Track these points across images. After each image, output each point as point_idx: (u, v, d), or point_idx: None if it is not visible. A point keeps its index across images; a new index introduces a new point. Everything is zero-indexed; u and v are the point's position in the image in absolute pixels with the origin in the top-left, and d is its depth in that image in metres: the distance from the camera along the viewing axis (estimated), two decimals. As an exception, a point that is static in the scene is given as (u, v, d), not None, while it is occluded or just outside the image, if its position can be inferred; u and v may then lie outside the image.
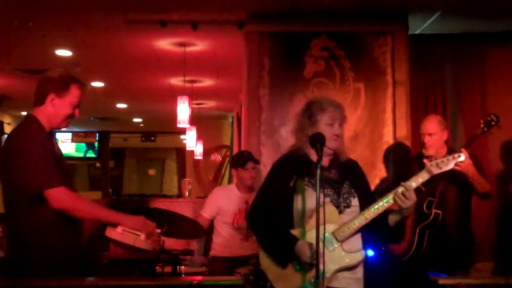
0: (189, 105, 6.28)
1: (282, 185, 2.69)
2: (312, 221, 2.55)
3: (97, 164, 14.76)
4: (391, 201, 2.58)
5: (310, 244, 2.51)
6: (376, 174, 4.60)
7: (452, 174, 3.44)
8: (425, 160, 3.59)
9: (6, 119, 10.26)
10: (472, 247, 4.16)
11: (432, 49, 5.30)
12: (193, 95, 6.97)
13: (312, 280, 2.53)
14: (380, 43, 4.86)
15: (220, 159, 10.33)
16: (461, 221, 3.96)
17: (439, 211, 3.80)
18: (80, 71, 6.00)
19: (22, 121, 2.89)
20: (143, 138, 14.83)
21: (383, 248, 3.91)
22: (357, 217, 2.60)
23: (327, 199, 2.61)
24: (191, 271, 3.87)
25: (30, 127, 2.80)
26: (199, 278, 3.03)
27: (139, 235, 2.76)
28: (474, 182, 3.77)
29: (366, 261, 2.69)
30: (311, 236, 2.54)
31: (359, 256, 2.61)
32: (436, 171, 2.62)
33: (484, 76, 5.26)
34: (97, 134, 13.62)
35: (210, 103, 9.81)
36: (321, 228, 2.36)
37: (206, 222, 4.28)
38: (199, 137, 8.72)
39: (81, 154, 13.64)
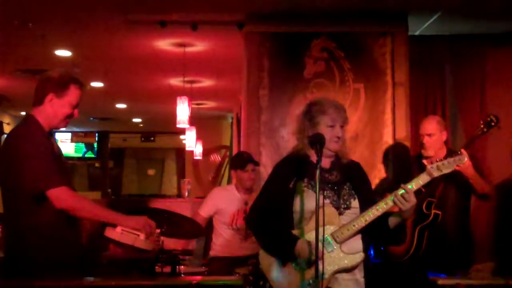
0: (188, 105, 6.28)
1: (281, 187, 2.68)
2: (311, 223, 2.55)
3: (97, 164, 14.76)
4: (391, 203, 2.57)
5: (309, 243, 2.52)
6: (376, 175, 4.60)
7: (452, 175, 3.42)
8: (425, 162, 3.60)
9: (6, 119, 10.27)
10: (471, 248, 4.16)
11: (432, 50, 5.31)
12: (192, 95, 6.97)
13: (311, 281, 2.53)
14: (380, 44, 4.86)
15: (220, 159, 10.33)
16: (460, 222, 3.96)
17: (438, 212, 3.80)
18: (80, 72, 6.01)
19: (21, 121, 2.89)
20: (143, 138, 14.84)
21: (382, 248, 3.91)
22: (357, 218, 2.59)
23: (327, 201, 2.60)
24: (190, 271, 3.87)
25: (30, 127, 2.79)
26: (198, 278, 3.03)
27: (138, 235, 2.77)
28: (473, 183, 3.77)
29: (366, 262, 2.68)
30: (310, 237, 2.54)
31: (357, 258, 2.60)
32: (437, 173, 2.62)
33: (483, 77, 5.27)
34: (97, 134, 13.63)
35: (209, 104, 9.81)
36: (320, 229, 2.36)
37: (203, 221, 4.28)
38: (199, 137, 8.72)
39: (80, 155, 13.65)
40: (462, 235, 3.98)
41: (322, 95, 4.41)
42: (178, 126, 6.39)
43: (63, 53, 6.27)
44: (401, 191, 2.56)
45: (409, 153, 4.58)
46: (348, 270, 2.61)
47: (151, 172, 17.62)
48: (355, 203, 2.68)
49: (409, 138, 4.81)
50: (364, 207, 2.63)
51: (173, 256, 3.61)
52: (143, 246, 2.79)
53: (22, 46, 6.00)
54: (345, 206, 2.66)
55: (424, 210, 3.80)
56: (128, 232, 2.76)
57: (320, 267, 2.38)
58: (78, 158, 13.70)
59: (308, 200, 2.63)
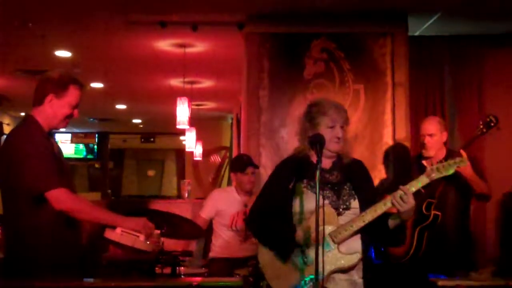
0: (188, 106, 6.28)
1: (281, 187, 2.69)
2: (310, 223, 2.55)
3: (96, 165, 14.75)
4: (389, 205, 2.57)
5: (308, 226, 2.53)
6: (376, 175, 4.60)
7: (452, 176, 3.43)
8: (425, 163, 3.60)
9: (6, 120, 10.27)
10: (471, 248, 4.16)
11: (432, 51, 5.31)
12: (192, 96, 6.97)
13: (308, 281, 2.53)
14: (380, 45, 4.86)
15: (220, 160, 10.33)
16: (460, 223, 3.96)
17: (438, 213, 3.80)
18: (80, 72, 6.02)
19: (21, 122, 2.88)
20: (143, 139, 14.83)
21: (382, 249, 3.91)
22: (355, 219, 2.59)
23: (326, 201, 2.60)
24: (190, 272, 3.87)
25: (29, 127, 2.79)
26: (198, 279, 3.02)
27: (138, 236, 2.76)
28: (471, 183, 3.77)
29: (367, 263, 2.68)
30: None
31: (354, 258, 2.60)
32: (436, 176, 2.61)
33: (482, 77, 5.28)
34: (97, 135, 13.62)
35: (209, 104, 9.82)
36: (319, 229, 2.36)
37: (204, 223, 4.29)
38: (199, 138, 8.72)
39: (81, 156, 13.65)
40: (462, 236, 3.98)
41: (322, 96, 4.41)
42: (178, 127, 6.39)
43: (63, 53, 6.27)
44: (399, 193, 2.55)
45: (409, 154, 4.58)
46: (345, 270, 2.60)
47: (151, 173, 17.62)
48: (355, 203, 2.67)
49: (409, 138, 4.81)
50: (364, 208, 2.63)
51: (173, 257, 3.60)
52: (143, 247, 2.79)
53: (22, 46, 6.00)
54: (345, 206, 2.66)
55: (424, 211, 3.79)
56: (128, 233, 2.75)
57: (317, 266, 2.38)
58: (78, 159, 13.70)
59: (307, 201, 2.63)
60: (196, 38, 5.57)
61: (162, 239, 3.34)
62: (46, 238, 2.72)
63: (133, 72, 7.29)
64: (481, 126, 3.71)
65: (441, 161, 2.72)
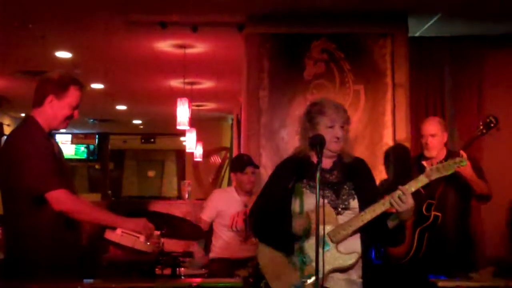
0: (188, 107, 6.28)
1: (281, 187, 2.69)
2: (310, 217, 2.56)
3: (97, 166, 14.75)
4: (388, 205, 2.56)
5: (307, 213, 2.54)
6: (377, 176, 4.56)
7: (452, 177, 3.43)
8: (425, 163, 3.60)
9: (6, 121, 10.27)
10: (472, 249, 4.16)
11: (432, 51, 5.31)
12: (192, 97, 6.98)
13: (307, 280, 2.53)
14: (380, 45, 4.86)
15: (220, 161, 10.33)
16: (460, 223, 3.96)
17: (438, 214, 3.80)
18: (80, 73, 6.02)
19: (21, 123, 2.88)
20: (143, 140, 14.83)
21: (382, 250, 3.91)
22: (353, 219, 2.59)
23: (325, 201, 2.60)
24: (190, 273, 3.87)
25: (30, 128, 2.79)
26: (198, 280, 3.02)
27: (138, 237, 2.76)
28: (471, 183, 3.77)
29: (367, 263, 2.68)
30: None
31: (352, 258, 2.59)
32: (435, 176, 2.60)
33: (482, 78, 5.28)
34: (97, 136, 13.62)
35: (209, 105, 9.82)
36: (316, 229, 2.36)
37: (206, 225, 4.30)
38: (199, 139, 8.72)
39: (82, 157, 13.65)
40: (462, 237, 3.97)
41: (322, 96, 4.41)
42: (178, 127, 6.40)
43: (63, 54, 6.27)
44: (398, 193, 2.55)
45: (409, 154, 4.58)
46: (344, 270, 2.60)
47: (151, 173, 17.62)
48: (354, 203, 2.67)
49: (409, 139, 4.81)
50: (363, 208, 2.62)
51: (173, 258, 3.60)
52: (143, 248, 2.79)
53: (22, 47, 6.00)
54: (344, 206, 2.65)
55: (424, 212, 3.79)
56: (128, 234, 2.75)
57: (314, 266, 2.38)
58: (79, 160, 13.70)
59: (307, 201, 2.63)
60: (196, 39, 5.57)
61: (162, 240, 3.35)
62: (46, 239, 2.72)
63: (133, 73, 7.30)
64: (481, 127, 3.70)
65: (441, 162, 2.72)
